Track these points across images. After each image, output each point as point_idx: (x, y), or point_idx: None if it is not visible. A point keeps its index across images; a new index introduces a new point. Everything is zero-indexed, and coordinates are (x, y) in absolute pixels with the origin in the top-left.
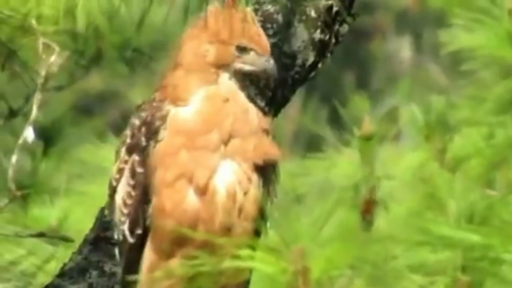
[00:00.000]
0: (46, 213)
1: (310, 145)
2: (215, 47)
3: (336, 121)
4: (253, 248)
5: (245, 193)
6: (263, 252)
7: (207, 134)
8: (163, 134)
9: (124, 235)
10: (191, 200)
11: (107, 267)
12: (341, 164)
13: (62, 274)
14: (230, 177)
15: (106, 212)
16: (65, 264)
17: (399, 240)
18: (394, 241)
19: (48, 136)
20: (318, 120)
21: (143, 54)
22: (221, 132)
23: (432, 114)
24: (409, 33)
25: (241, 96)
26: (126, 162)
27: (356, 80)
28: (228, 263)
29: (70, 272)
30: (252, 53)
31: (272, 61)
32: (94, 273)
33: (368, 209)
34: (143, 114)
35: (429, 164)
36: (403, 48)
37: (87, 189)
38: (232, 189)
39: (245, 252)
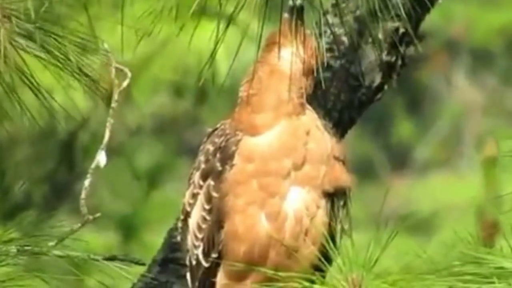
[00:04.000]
0: None
1: (362, 170)
2: (308, 79)
3: (386, 146)
4: (312, 281)
5: (312, 218)
6: (320, 283)
7: (280, 160)
8: (237, 159)
9: (198, 259)
10: (263, 225)
11: None
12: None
13: None
14: (299, 203)
15: (179, 237)
16: (134, 285)
17: (456, 272)
18: (451, 273)
19: (150, 178)
20: (369, 145)
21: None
22: (295, 158)
23: None
24: (461, 59)
25: (318, 123)
26: (200, 187)
27: (407, 106)
28: None
29: None
30: None
31: None
32: None
33: (491, 232)
34: (217, 140)
35: None
36: (454, 75)
37: None
38: (300, 215)
39: (305, 284)
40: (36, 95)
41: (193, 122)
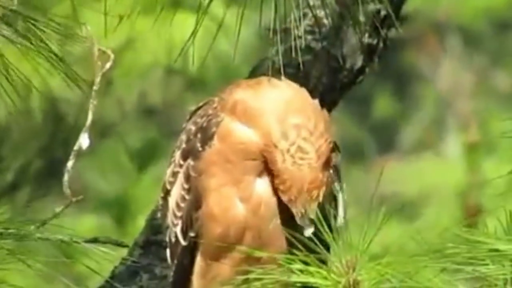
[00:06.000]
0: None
1: (349, 152)
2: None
3: (373, 129)
4: (305, 262)
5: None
6: (314, 265)
7: (250, 156)
8: (216, 139)
9: (176, 238)
10: (238, 207)
11: (157, 270)
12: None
13: (113, 277)
14: (267, 189)
15: (159, 214)
16: (116, 267)
17: (449, 254)
18: (445, 255)
19: (142, 159)
20: (355, 127)
21: None
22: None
23: None
24: (449, 41)
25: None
26: (181, 166)
27: (394, 88)
28: (280, 276)
29: (121, 275)
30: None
31: (311, 228)
32: (145, 276)
33: (473, 215)
34: (199, 120)
35: None
36: (442, 56)
37: None
38: (269, 199)
39: (297, 265)
40: (8, 79)
41: (184, 103)
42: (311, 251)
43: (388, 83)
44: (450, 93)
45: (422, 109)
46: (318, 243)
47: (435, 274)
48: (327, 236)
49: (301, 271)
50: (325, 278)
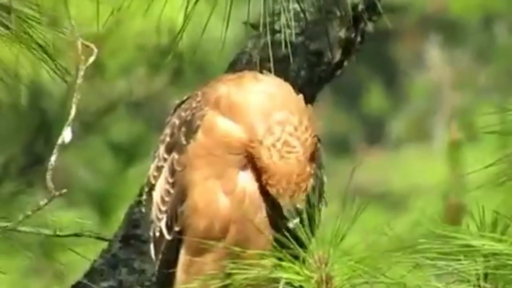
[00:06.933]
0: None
1: (336, 144)
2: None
3: (360, 121)
4: (279, 258)
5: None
6: (287, 260)
7: (233, 150)
8: (200, 133)
9: (161, 232)
10: (222, 200)
11: (136, 264)
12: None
13: (92, 271)
14: (251, 181)
15: (143, 209)
16: (95, 261)
17: (422, 249)
18: (417, 250)
19: (127, 154)
20: (342, 120)
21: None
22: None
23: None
24: (434, 36)
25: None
26: (165, 160)
27: (381, 82)
28: (254, 272)
29: (100, 269)
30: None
31: (297, 220)
32: (124, 270)
33: (455, 215)
34: (183, 114)
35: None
36: (428, 50)
37: None
38: (253, 193)
39: (271, 261)
40: None
41: (169, 97)
42: (285, 247)
43: (377, 77)
44: (436, 87)
45: (408, 103)
46: (291, 238)
47: (407, 269)
48: (300, 231)
49: (274, 266)
50: (298, 273)
